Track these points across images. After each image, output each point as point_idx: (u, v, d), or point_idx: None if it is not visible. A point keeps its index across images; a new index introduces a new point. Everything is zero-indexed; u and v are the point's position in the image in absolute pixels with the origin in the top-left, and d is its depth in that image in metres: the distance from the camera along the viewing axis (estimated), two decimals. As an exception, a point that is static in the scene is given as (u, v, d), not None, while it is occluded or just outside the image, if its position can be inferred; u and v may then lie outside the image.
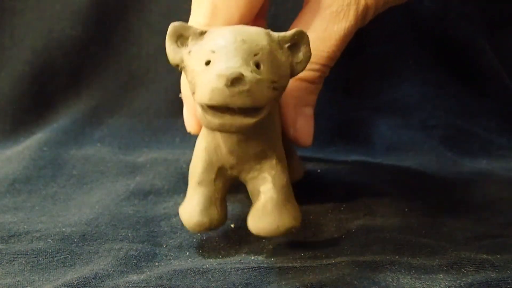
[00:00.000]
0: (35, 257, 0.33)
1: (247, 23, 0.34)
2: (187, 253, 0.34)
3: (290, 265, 0.32)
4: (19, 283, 0.30)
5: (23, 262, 0.32)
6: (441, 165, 0.51)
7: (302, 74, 0.33)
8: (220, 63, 0.28)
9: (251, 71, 0.28)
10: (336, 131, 0.56)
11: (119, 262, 0.32)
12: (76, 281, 0.29)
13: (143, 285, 0.29)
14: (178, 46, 0.31)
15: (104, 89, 0.57)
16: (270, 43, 0.29)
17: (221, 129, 0.28)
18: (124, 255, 0.33)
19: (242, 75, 0.27)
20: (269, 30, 0.30)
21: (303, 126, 0.36)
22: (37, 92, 0.56)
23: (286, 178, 0.33)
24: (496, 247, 0.34)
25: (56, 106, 0.57)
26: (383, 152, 0.54)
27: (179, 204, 0.41)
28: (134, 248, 0.34)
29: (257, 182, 0.33)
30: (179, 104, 0.39)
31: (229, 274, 0.31)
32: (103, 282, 0.30)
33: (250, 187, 0.33)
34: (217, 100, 0.27)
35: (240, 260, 0.33)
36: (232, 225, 0.37)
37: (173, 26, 0.31)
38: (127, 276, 0.30)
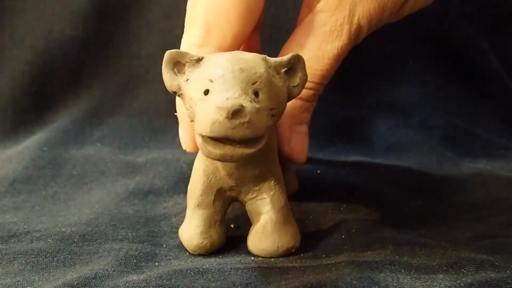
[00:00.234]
0: (35, 257, 0.33)
1: (241, 42, 0.35)
2: (187, 253, 0.34)
3: (290, 265, 0.32)
4: (19, 283, 0.30)
5: (23, 262, 0.32)
6: (441, 165, 0.51)
7: None
8: (219, 93, 0.28)
9: (250, 101, 0.28)
10: (336, 131, 0.56)
11: (119, 262, 0.32)
12: (76, 281, 0.29)
13: (143, 285, 0.29)
14: (175, 73, 0.31)
15: (104, 89, 0.57)
16: (267, 70, 0.29)
17: (221, 159, 0.28)
18: (124, 255, 0.33)
19: (242, 106, 0.27)
20: (265, 56, 0.30)
21: (297, 144, 0.37)
22: (37, 92, 0.56)
23: (284, 199, 0.33)
24: (496, 247, 0.34)
25: (56, 106, 0.57)
26: (383, 152, 0.54)
27: (179, 204, 0.41)
28: (134, 248, 0.34)
29: (256, 203, 0.33)
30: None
31: (229, 274, 0.31)
32: (103, 282, 0.30)
33: (249, 208, 0.34)
34: (218, 132, 0.27)
35: (240, 260, 0.33)
36: (232, 225, 0.37)
37: (169, 53, 0.30)
38: (127, 276, 0.30)
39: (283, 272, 0.31)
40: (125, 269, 0.31)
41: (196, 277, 0.30)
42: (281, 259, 0.33)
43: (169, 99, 0.56)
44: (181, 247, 0.34)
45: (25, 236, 0.35)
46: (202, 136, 0.28)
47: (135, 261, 0.32)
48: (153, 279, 0.30)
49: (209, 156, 0.28)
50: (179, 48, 0.33)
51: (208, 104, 0.28)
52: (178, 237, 0.35)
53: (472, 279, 0.30)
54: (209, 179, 0.33)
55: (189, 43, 0.34)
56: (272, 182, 0.33)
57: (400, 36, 0.57)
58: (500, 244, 0.34)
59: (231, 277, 0.30)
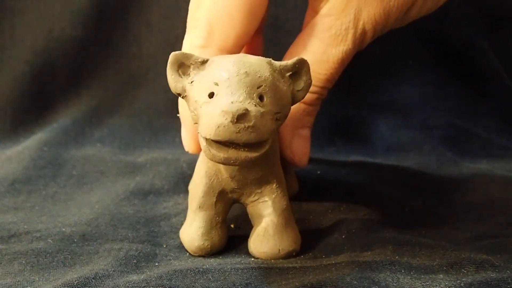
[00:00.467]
0: (35, 257, 0.33)
1: (244, 43, 0.34)
2: (187, 253, 0.34)
3: (290, 265, 0.32)
4: (19, 283, 0.30)
5: (23, 262, 0.32)
6: (441, 165, 0.51)
7: None
8: (224, 97, 0.28)
9: (255, 105, 0.28)
10: (336, 131, 0.56)
11: (119, 262, 0.32)
12: (76, 281, 0.29)
13: (143, 285, 0.29)
14: (179, 75, 0.30)
15: (104, 89, 0.57)
16: (272, 73, 0.29)
17: (225, 162, 0.28)
18: (124, 255, 0.33)
19: (247, 110, 0.27)
20: (270, 59, 0.30)
21: (299, 148, 0.37)
22: (37, 92, 0.56)
23: (286, 202, 0.33)
24: (496, 247, 0.34)
25: (56, 106, 0.57)
26: (383, 152, 0.54)
27: (179, 204, 0.41)
28: (134, 248, 0.34)
29: (257, 205, 0.33)
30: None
31: (229, 274, 0.31)
32: (103, 282, 0.30)
33: (250, 210, 0.34)
34: (222, 136, 0.27)
35: (240, 260, 0.33)
36: (232, 225, 0.37)
37: (174, 55, 0.30)
38: (127, 276, 0.30)
39: (283, 272, 0.31)
40: (125, 269, 0.31)
41: (196, 277, 0.30)
42: (281, 259, 0.33)
43: (169, 99, 0.56)
44: (181, 247, 0.34)
45: (25, 236, 0.35)
46: (206, 139, 0.28)
47: (135, 261, 0.32)
48: (153, 279, 0.30)
49: (212, 159, 0.28)
50: (179, 49, 0.33)
51: (213, 107, 0.27)
52: (178, 237, 0.35)
53: (472, 279, 0.30)
54: (211, 181, 0.33)
55: (191, 44, 0.34)
56: (274, 185, 0.33)
57: (400, 36, 0.57)
58: (500, 244, 0.34)
59: (231, 277, 0.30)
